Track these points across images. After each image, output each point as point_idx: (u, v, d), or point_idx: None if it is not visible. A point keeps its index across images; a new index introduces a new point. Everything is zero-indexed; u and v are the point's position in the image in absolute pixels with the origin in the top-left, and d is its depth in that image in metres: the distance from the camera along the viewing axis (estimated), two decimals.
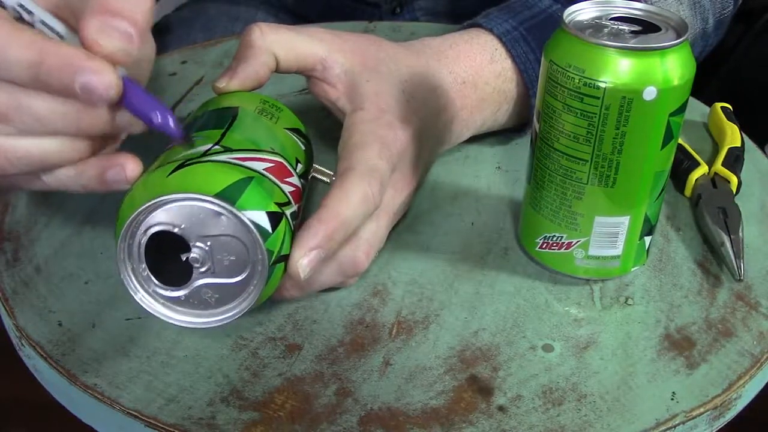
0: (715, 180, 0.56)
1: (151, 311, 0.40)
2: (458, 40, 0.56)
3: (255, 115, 0.45)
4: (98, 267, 0.49)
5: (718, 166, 0.57)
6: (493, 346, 0.45)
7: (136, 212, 0.38)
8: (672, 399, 0.42)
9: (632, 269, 0.49)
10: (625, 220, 0.46)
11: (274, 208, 0.39)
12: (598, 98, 0.42)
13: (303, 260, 0.41)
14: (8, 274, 0.49)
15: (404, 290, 0.48)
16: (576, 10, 0.45)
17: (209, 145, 0.41)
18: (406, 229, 0.52)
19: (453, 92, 0.53)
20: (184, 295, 0.40)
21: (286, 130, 0.46)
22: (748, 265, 0.50)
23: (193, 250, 0.39)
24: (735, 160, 0.58)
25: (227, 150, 0.41)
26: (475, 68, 0.55)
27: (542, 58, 0.45)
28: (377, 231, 0.46)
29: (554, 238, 0.48)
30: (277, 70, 0.49)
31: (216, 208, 0.38)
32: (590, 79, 0.42)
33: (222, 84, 0.48)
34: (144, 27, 0.39)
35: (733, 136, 0.60)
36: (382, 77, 0.49)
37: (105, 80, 0.37)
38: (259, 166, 0.41)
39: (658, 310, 0.47)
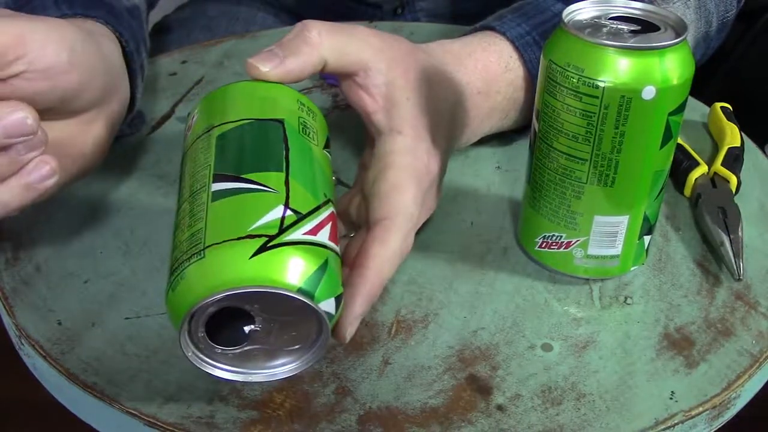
0: (714, 180, 0.56)
1: (200, 368, 0.38)
2: (477, 47, 0.55)
3: (300, 138, 0.42)
4: (98, 266, 0.49)
5: (718, 166, 0.57)
6: (492, 346, 0.45)
7: (213, 296, 0.35)
8: (671, 398, 0.42)
9: (631, 269, 0.49)
10: (625, 219, 0.46)
11: (340, 291, 0.38)
12: (598, 97, 0.42)
13: (350, 329, 0.40)
14: (8, 273, 0.49)
15: (403, 289, 0.48)
16: (575, 10, 0.45)
17: (281, 210, 0.37)
18: None
19: (469, 103, 0.53)
20: (234, 354, 0.38)
21: (324, 152, 0.44)
22: (748, 265, 0.50)
23: (257, 324, 0.37)
24: (734, 160, 0.58)
25: (298, 218, 0.37)
26: (491, 78, 0.54)
27: (541, 58, 0.45)
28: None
29: (553, 238, 0.48)
30: (321, 71, 0.47)
31: (295, 300, 0.36)
32: (589, 78, 0.42)
33: (266, 68, 0.44)
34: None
35: (732, 136, 0.60)
36: (420, 96, 0.48)
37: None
38: (325, 234, 0.38)
39: (657, 309, 0.47)
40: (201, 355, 0.37)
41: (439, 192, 0.50)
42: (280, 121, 0.42)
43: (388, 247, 0.42)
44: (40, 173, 0.41)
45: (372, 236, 0.42)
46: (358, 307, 0.40)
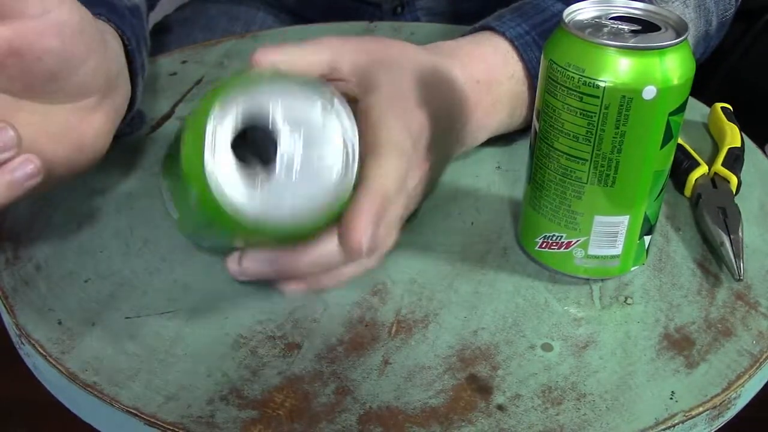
0: (715, 180, 0.56)
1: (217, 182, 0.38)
2: (470, 42, 0.55)
3: None
4: (98, 265, 0.49)
5: (718, 166, 0.57)
6: (492, 346, 0.45)
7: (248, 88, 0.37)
8: (671, 398, 0.42)
9: (632, 269, 0.49)
10: (625, 219, 0.46)
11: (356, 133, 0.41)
12: (598, 97, 0.42)
13: (363, 238, 0.40)
14: (8, 272, 0.49)
15: (404, 289, 0.48)
16: (576, 10, 0.45)
17: None
18: (405, 229, 0.52)
19: (467, 90, 0.52)
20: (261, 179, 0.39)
21: None
22: (748, 265, 0.50)
23: (283, 146, 0.39)
24: (735, 160, 0.58)
25: None
26: (488, 68, 0.54)
27: (542, 58, 0.45)
28: (397, 211, 0.45)
29: (554, 238, 0.48)
30: None
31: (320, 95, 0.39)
32: (590, 78, 0.42)
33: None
34: None
35: (733, 136, 0.60)
36: (393, 70, 0.48)
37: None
38: None
39: (657, 309, 0.47)
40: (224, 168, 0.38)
41: (432, 155, 0.49)
42: None
43: (382, 165, 0.42)
44: (24, 171, 0.41)
45: (365, 158, 0.42)
46: (365, 215, 0.40)
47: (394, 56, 0.50)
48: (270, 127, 0.39)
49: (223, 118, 0.37)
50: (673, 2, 0.60)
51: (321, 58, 0.48)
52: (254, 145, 0.39)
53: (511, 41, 0.55)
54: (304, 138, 0.39)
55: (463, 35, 0.58)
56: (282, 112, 0.39)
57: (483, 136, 0.56)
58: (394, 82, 0.47)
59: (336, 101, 0.39)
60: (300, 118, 0.39)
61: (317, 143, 0.39)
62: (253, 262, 0.43)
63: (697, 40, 0.64)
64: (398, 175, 0.42)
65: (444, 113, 0.50)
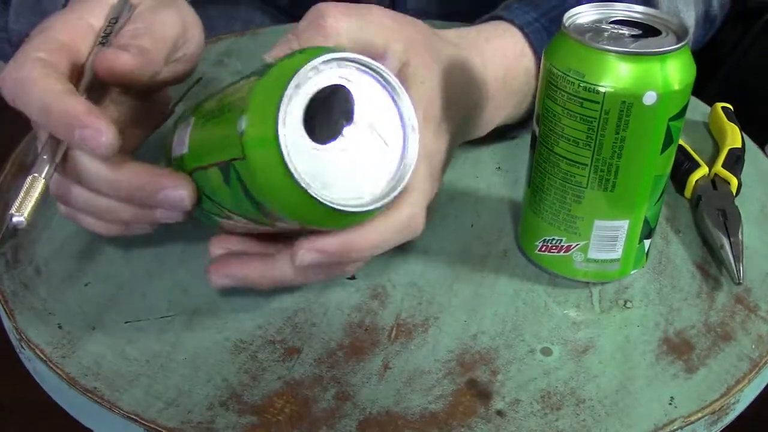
0: (715, 181, 0.56)
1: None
2: (492, 33, 0.55)
3: None
4: (98, 269, 0.49)
5: (719, 168, 0.57)
6: (492, 350, 0.45)
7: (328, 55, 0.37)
8: (670, 404, 0.42)
9: (631, 272, 0.49)
10: (625, 223, 0.46)
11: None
12: (598, 103, 0.42)
13: (306, 255, 0.41)
14: (8, 275, 0.49)
15: (403, 293, 0.48)
16: (576, 14, 0.45)
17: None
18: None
19: (487, 88, 0.53)
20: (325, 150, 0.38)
21: None
22: (748, 268, 0.50)
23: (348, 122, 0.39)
24: (735, 162, 0.58)
25: None
26: (508, 64, 0.54)
27: (542, 62, 0.45)
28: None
29: (554, 241, 0.48)
30: None
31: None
32: (590, 83, 0.42)
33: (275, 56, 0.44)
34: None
35: (733, 136, 0.60)
36: (435, 79, 0.47)
37: (101, 139, 0.41)
38: None
39: (657, 313, 0.47)
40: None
41: (440, 180, 0.49)
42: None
43: (397, 217, 0.42)
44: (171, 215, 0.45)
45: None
46: (328, 247, 0.41)
47: (438, 56, 0.49)
48: (340, 106, 0.39)
49: (295, 95, 0.37)
50: None
51: (376, 43, 0.46)
52: (321, 121, 0.38)
53: (521, 28, 0.55)
54: (372, 118, 0.39)
55: (479, 22, 0.57)
56: (353, 92, 0.39)
57: (489, 128, 0.56)
58: (432, 101, 0.47)
59: (400, 84, 0.39)
60: (368, 99, 0.39)
61: (383, 124, 0.39)
62: (313, 253, 0.42)
63: (697, 20, 0.64)
64: (409, 218, 0.43)
65: (464, 117, 0.50)
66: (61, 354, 0.44)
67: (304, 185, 0.36)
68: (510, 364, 0.44)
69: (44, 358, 0.44)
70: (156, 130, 0.51)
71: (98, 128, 0.41)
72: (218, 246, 0.46)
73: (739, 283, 0.49)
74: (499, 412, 0.41)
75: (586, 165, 0.44)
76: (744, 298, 0.49)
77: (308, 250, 0.41)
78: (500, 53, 0.54)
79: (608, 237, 0.47)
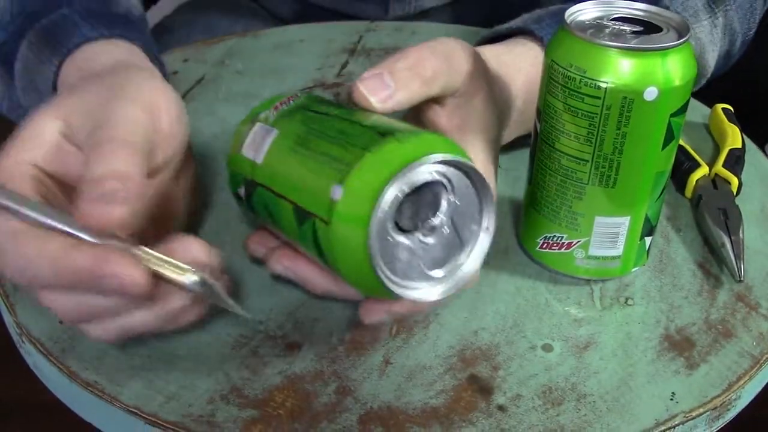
0: (715, 181, 0.56)
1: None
2: (525, 62, 0.54)
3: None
4: None
5: (719, 167, 0.57)
6: (493, 346, 0.45)
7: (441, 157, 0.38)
8: (671, 399, 0.42)
9: (632, 270, 0.49)
10: (626, 220, 0.46)
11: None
12: (599, 98, 0.42)
13: (377, 317, 0.42)
14: None
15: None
16: (578, 10, 0.45)
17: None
18: None
19: (511, 115, 0.53)
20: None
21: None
22: (749, 266, 0.50)
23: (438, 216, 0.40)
24: (736, 162, 0.58)
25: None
26: (533, 92, 0.53)
27: (543, 58, 0.45)
28: None
29: (555, 238, 0.48)
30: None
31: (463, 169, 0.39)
32: (591, 79, 0.42)
33: (375, 102, 0.43)
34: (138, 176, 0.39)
35: (734, 137, 0.60)
36: (488, 121, 0.48)
37: (130, 281, 0.36)
38: None
39: (658, 310, 0.47)
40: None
41: None
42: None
43: None
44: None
45: None
46: (416, 311, 0.43)
47: (489, 91, 0.48)
48: (428, 198, 0.40)
49: (395, 186, 0.37)
50: (702, 21, 0.60)
51: (456, 86, 0.46)
52: (408, 208, 0.39)
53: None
54: (454, 213, 0.40)
55: (502, 37, 0.57)
56: (446, 188, 0.40)
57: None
58: (484, 145, 0.47)
59: (490, 189, 0.40)
60: (456, 196, 0.40)
61: (463, 222, 0.41)
62: (383, 314, 0.43)
63: (719, 59, 0.64)
64: None
65: (498, 129, 0.51)
66: (61, 348, 0.44)
67: (379, 272, 0.38)
68: (511, 360, 0.44)
69: (45, 352, 0.44)
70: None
71: (122, 272, 0.36)
72: (257, 243, 0.46)
73: (740, 281, 0.49)
74: (501, 407, 0.41)
75: (587, 161, 0.44)
76: (745, 296, 0.49)
77: (382, 311, 0.42)
78: (529, 81, 0.53)
79: (609, 234, 0.47)
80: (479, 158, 0.46)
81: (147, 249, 0.38)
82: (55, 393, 0.45)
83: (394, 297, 0.39)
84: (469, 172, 0.39)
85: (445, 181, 0.39)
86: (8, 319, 0.46)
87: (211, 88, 0.67)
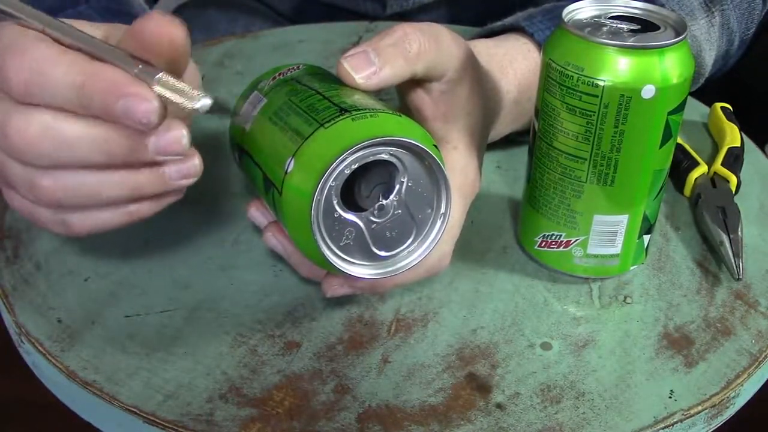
0: (714, 180, 0.56)
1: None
2: (517, 55, 0.54)
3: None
4: (98, 264, 0.49)
5: (718, 166, 0.57)
6: (491, 344, 0.45)
7: (365, 142, 0.38)
8: (670, 397, 0.42)
9: (631, 268, 0.49)
10: (624, 218, 0.46)
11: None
12: (597, 96, 0.42)
13: (339, 290, 0.44)
14: (8, 270, 0.49)
15: (403, 288, 0.48)
16: (575, 9, 0.45)
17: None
18: None
19: (503, 110, 0.53)
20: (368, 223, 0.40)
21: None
22: (747, 265, 0.50)
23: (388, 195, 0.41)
24: (734, 160, 0.58)
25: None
26: (527, 86, 0.54)
27: (541, 57, 0.45)
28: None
29: (553, 237, 0.48)
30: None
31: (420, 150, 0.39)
32: (589, 77, 0.42)
33: (360, 78, 0.42)
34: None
35: (732, 135, 0.60)
36: (476, 110, 0.47)
37: (147, 106, 0.36)
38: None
39: (656, 308, 0.47)
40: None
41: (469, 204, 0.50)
42: None
43: (427, 261, 0.43)
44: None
45: None
46: (377, 286, 0.44)
47: (477, 80, 0.48)
48: (381, 179, 0.41)
49: (345, 164, 0.38)
50: (699, 20, 0.60)
51: (444, 71, 0.45)
52: (360, 186, 0.41)
53: (539, 45, 0.55)
54: (408, 196, 0.41)
55: (493, 32, 0.57)
56: (398, 170, 0.40)
57: (493, 140, 0.56)
58: (473, 136, 0.48)
59: (445, 176, 0.40)
60: (410, 179, 0.40)
61: (416, 205, 0.41)
62: (346, 288, 0.44)
63: (716, 58, 0.64)
64: (440, 259, 0.46)
65: (488, 124, 0.51)
66: (60, 348, 0.44)
67: (321, 245, 0.39)
68: (509, 359, 0.44)
69: (44, 352, 0.44)
70: None
71: (143, 96, 0.36)
72: (258, 210, 0.47)
73: (739, 279, 0.49)
74: (499, 405, 0.41)
75: (585, 159, 0.44)
76: (744, 294, 0.49)
77: (341, 285, 0.44)
78: (520, 75, 0.54)
79: (608, 232, 0.47)
80: (462, 146, 0.47)
81: (166, 74, 0.37)
82: (53, 392, 0.45)
83: (336, 271, 0.40)
84: (423, 155, 0.40)
85: (398, 162, 0.40)
86: (7, 319, 0.47)
87: (211, 89, 0.67)
